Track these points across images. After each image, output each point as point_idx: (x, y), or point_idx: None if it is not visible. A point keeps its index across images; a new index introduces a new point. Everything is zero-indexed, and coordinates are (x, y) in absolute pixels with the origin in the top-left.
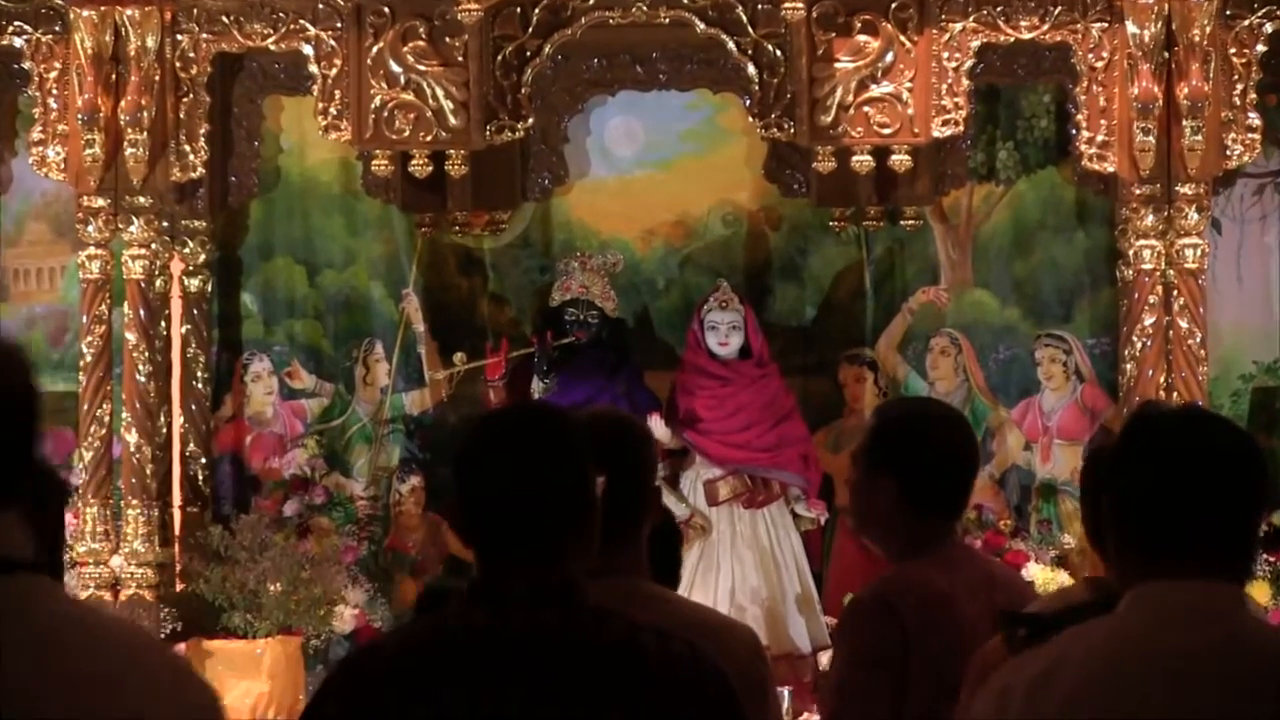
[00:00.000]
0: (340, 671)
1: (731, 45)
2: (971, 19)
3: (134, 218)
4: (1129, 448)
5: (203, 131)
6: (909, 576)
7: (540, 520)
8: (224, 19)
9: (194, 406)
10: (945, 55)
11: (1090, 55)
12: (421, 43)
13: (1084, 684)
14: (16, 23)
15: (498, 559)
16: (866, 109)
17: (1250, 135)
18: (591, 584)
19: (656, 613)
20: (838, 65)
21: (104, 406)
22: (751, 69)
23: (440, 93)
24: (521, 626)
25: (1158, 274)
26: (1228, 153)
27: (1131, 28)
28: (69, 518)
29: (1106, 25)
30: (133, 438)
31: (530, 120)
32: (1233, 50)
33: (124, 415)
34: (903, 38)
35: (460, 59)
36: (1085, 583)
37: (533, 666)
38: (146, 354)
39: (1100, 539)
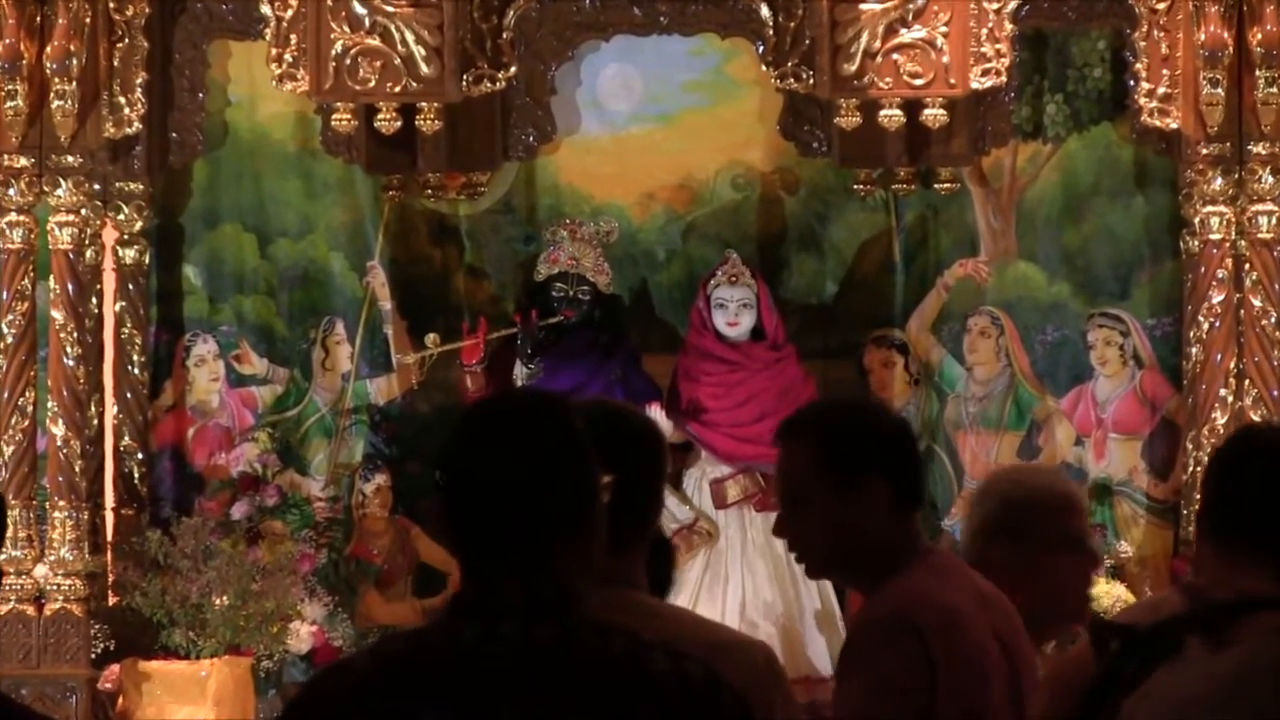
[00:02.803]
0: (305, 694)
1: None
2: None
3: (61, 179)
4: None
5: (140, 81)
6: (919, 589)
7: (535, 523)
8: None
9: (129, 394)
10: None
11: None
12: None
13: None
14: None
15: (486, 567)
16: (896, 57)
17: None
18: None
19: (659, 629)
20: (863, 7)
21: (27, 394)
22: (765, 11)
23: (410, 37)
24: (514, 643)
25: (1227, 245)
26: None
27: None
28: None
29: None
30: (59, 430)
31: (513, 69)
32: None
33: (49, 404)
34: None
35: None
36: (1180, 591)
37: (526, 688)
38: (75, 334)
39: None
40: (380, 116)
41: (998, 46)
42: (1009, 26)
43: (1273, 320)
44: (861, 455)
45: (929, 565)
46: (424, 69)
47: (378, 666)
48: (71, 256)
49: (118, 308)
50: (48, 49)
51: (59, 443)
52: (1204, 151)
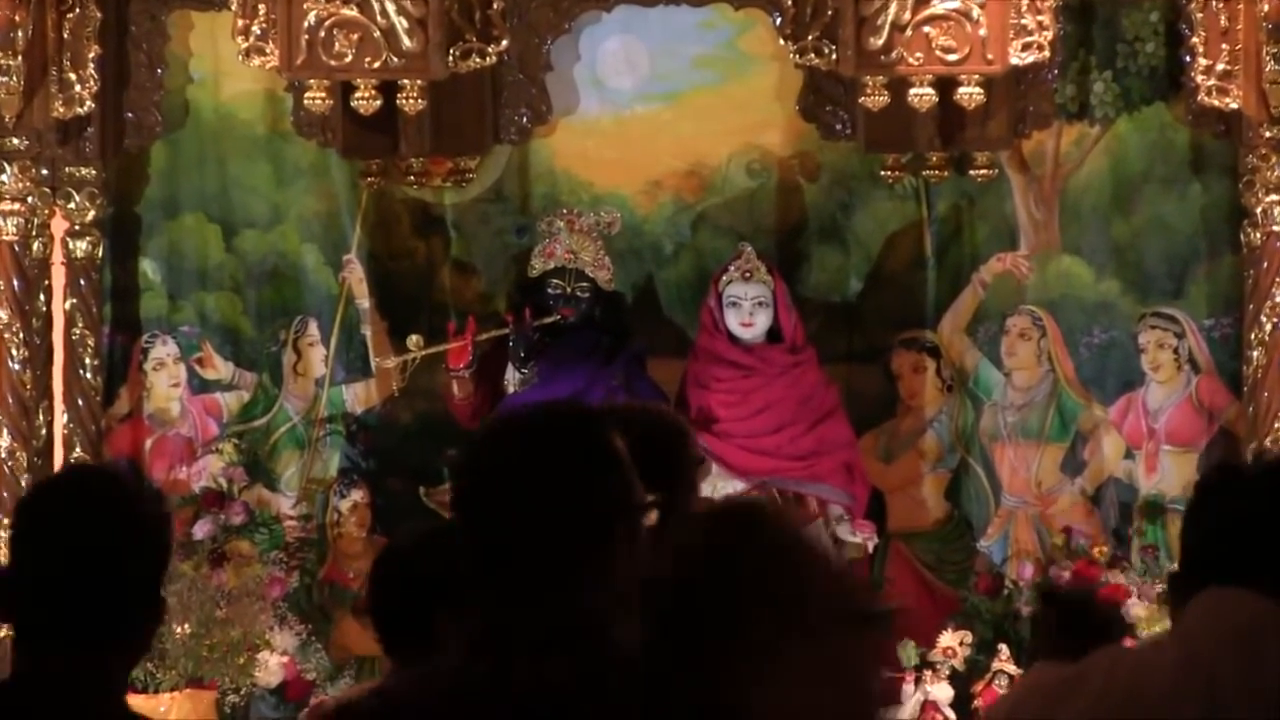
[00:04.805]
0: None
1: None
2: None
3: (5, 164)
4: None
5: (92, 56)
6: None
7: (550, 548)
8: None
9: (81, 401)
10: None
11: None
12: None
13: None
14: None
15: (499, 597)
16: (927, 30)
17: None
18: None
19: None
20: None
21: None
22: None
23: (391, 8)
24: (526, 680)
25: None
26: None
27: None
28: None
29: None
30: (4, 440)
31: (504, 43)
32: None
33: None
34: None
35: None
36: None
37: None
38: (21, 335)
39: None
40: (358, 95)
41: (1040, 18)
42: None
43: None
44: None
45: None
46: (406, 42)
47: (383, 711)
48: (17, 249)
49: (68, 306)
50: None
51: (4, 455)
52: (1267, 134)
